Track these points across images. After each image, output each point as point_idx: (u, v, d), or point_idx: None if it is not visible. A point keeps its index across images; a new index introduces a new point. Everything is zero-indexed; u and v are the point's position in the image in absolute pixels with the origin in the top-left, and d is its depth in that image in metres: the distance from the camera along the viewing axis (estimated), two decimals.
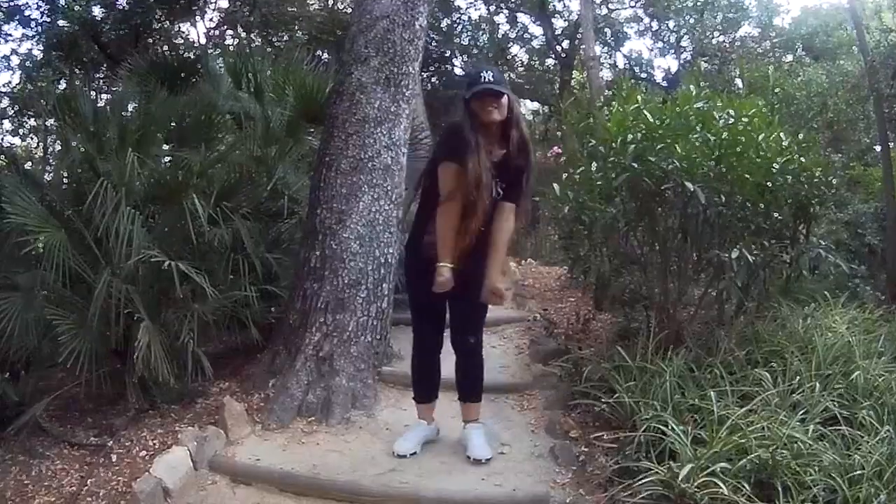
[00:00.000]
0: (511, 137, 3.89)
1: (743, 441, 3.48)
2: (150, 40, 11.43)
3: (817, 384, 4.17)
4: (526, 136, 3.99)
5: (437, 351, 4.29)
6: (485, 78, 3.78)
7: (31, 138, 11.80)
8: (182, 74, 7.39)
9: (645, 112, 4.85)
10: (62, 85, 10.67)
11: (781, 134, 5.13)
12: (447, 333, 4.33)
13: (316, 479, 4.00)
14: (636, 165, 4.57)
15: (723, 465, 3.32)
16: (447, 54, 18.42)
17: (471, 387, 4.36)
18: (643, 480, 3.42)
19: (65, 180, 5.80)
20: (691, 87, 5.26)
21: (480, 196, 3.78)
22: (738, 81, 5.81)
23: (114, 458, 4.30)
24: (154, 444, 4.41)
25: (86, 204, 4.87)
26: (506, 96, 3.83)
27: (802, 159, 5.17)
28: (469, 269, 3.94)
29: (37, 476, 4.24)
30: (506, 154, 3.91)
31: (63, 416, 4.93)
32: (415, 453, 4.25)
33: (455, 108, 4.11)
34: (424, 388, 4.43)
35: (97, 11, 11.39)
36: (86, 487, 4.04)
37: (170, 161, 5.88)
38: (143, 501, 3.67)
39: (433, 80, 17.41)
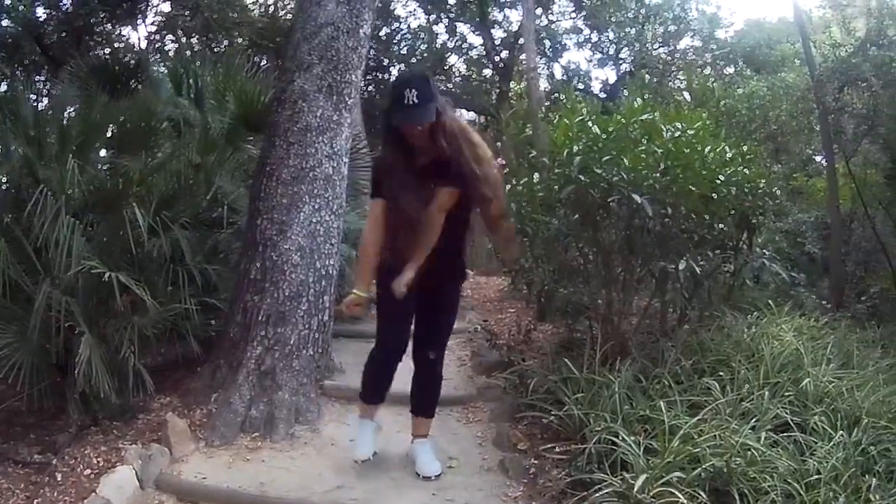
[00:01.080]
0: (439, 142, 3.65)
1: (696, 450, 3.48)
2: (92, 43, 11.16)
3: (766, 392, 4.22)
4: (455, 131, 3.71)
5: (399, 353, 4.06)
6: (408, 100, 3.53)
7: None
8: (123, 79, 7.19)
9: (590, 124, 4.86)
10: (3, 87, 10.39)
11: (726, 146, 5.19)
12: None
13: (264, 498, 3.89)
14: (582, 177, 4.55)
15: (677, 474, 3.31)
16: (385, 62, 18.44)
17: (426, 401, 4.26)
18: (600, 492, 3.39)
19: (4, 186, 5.58)
20: (637, 99, 5.29)
21: (416, 222, 3.71)
22: (686, 94, 5.86)
23: (59, 476, 4.11)
24: (98, 461, 4.24)
25: (26, 211, 4.69)
26: (432, 117, 3.60)
27: (746, 171, 5.25)
28: (437, 280, 3.86)
29: None
30: (438, 155, 3.70)
31: (5, 431, 4.73)
32: (375, 453, 4.20)
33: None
34: (377, 389, 4.24)
35: (40, 12, 11.13)
36: None
37: (109, 168, 5.70)
38: None
39: (370, 88, 17.36)
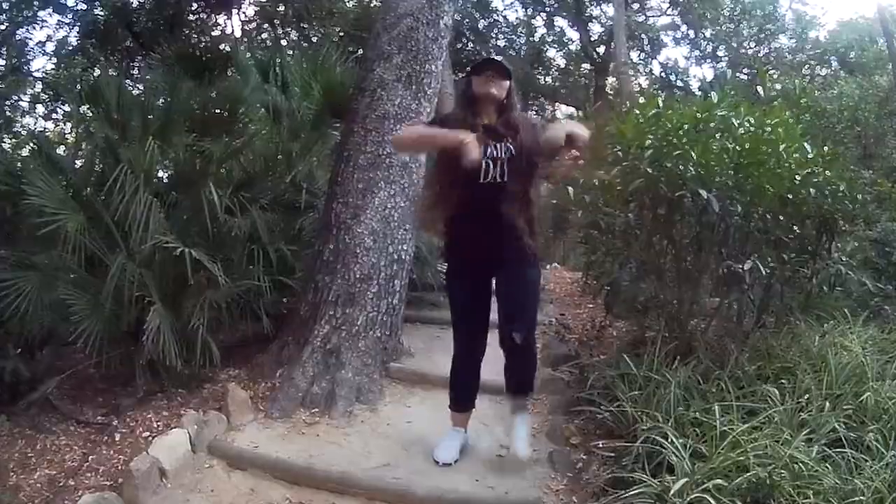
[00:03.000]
0: (504, 115, 3.78)
1: (742, 458, 3.38)
2: (185, 31, 11.51)
3: (827, 403, 4.04)
4: (523, 115, 3.90)
5: (480, 353, 4.04)
6: (493, 58, 3.82)
7: (64, 124, 12.02)
8: (212, 66, 7.44)
9: (665, 118, 4.78)
10: (96, 72, 10.80)
11: (806, 145, 5.02)
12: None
13: (310, 469, 4.00)
14: (651, 171, 4.49)
15: (718, 481, 3.23)
16: (483, 55, 18.38)
17: (521, 379, 4.02)
18: (635, 492, 3.35)
19: (93, 165, 5.88)
20: (713, 93, 5.17)
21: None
22: (759, 89, 5.67)
23: (117, 437, 4.35)
24: (158, 425, 4.47)
25: (105, 187, 4.94)
26: (508, 81, 3.78)
27: (828, 172, 5.06)
28: (504, 259, 3.75)
29: (41, 450, 4.30)
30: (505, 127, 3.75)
31: (75, 394, 5.00)
32: (457, 460, 4.13)
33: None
34: (464, 395, 4.21)
35: (133, 0, 11.54)
36: (86, 463, 4.09)
37: (191, 150, 5.93)
38: (139, 480, 3.69)
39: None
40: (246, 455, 4.18)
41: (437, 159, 3.87)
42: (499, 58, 3.85)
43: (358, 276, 5.37)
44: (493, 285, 3.92)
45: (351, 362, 5.13)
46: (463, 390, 4.20)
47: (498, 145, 3.69)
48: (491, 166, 3.66)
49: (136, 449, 4.12)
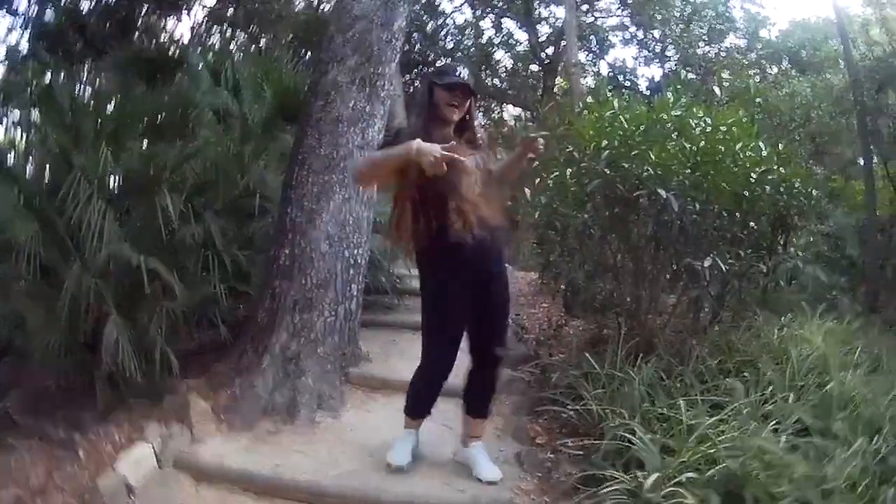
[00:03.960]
0: (465, 131, 3.70)
1: (712, 451, 3.41)
2: (136, 34, 11.37)
3: (791, 395, 4.12)
4: (481, 136, 3.81)
5: (449, 373, 3.86)
6: (457, 71, 3.65)
7: (15, 130, 11.76)
8: (164, 69, 7.32)
9: (621, 118, 4.82)
10: (48, 77, 10.60)
11: (761, 144, 5.09)
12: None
13: (278, 480, 3.93)
14: (608, 171, 4.52)
15: (690, 475, 3.25)
16: (431, 58, 18.46)
17: (484, 402, 4.05)
18: (609, 489, 3.35)
19: (45, 173, 5.74)
20: (669, 94, 5.22)
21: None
22: (716, 90, 5.76)
23: (81, 452, 4.18)
24: (121, 439, 4.31)
25: (58, 195, 4.81)
26: (471, 99, 3.68)
27: (782, 170, 5.16)
28: (489, 263, 3.73)
29: (4, 468, 4.13)
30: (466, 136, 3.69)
31: (34, 409, 4.83)
32: (410, 462, 4.07)
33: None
34: (426, 407, 4.09)
35: (84, 3, 11.38)
36: (51, 481, 3.94)
37: (144, 155, 5.80)
38: (107, 498, 3.60)
39: (416, 83, 17.40)
40: (212, 468, 4.09)
41: (408, 178, 3.58)
42: (464, 73, 3.65)
43: (315, 281, 5.29)
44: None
45: (311, 369, 5.06)
46: (430, 402, 4.07)
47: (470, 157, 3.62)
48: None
49: (101, 465, 3.99)
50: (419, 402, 4.07)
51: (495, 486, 3.87)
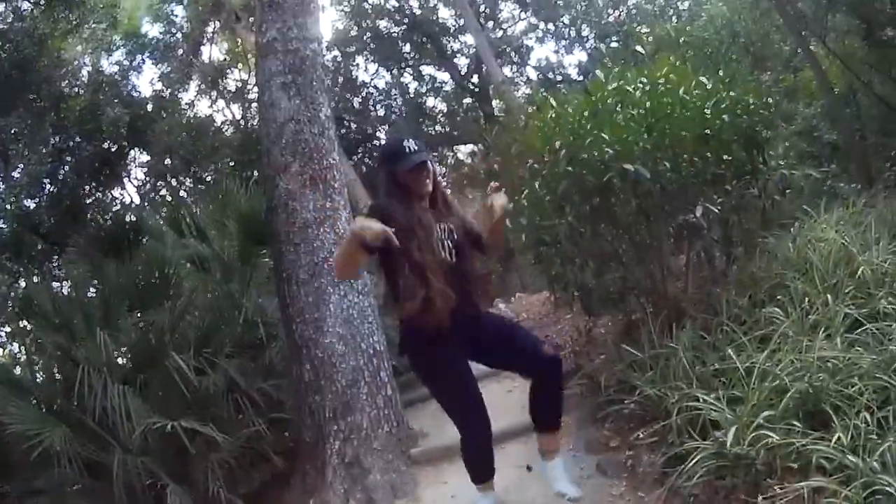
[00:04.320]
0: (437, 201, 3.59)
1: (777, 383, 3.39)
2: (87, 215, 11.49)
3: (828, 297, 4.05)
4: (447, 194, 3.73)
5: (489, 425, 3.64)
6: (409, 148, 3.47)
7: (11, 343, 11.85)
8: (126, 240, 7.36)
9: (565, 114, 4.83)
10: (22, 284, 10.72)
11: (702, 79, 5.10)
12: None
13: None
14: (572, 168, 4.52)
15: (766, 413, 3.22)
16: (369, 131, 18.59)
17: (554, 410, 3.73)
18: (694, 461, 3.29)
19: (54, 376, 5.81)
20: (599, 72, 5.25)
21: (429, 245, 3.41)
22: (638, 48, 5.80)
23: None
24: None
25: (75, 393, 4.85)
26: (432, 167, 3.55)
27: (732, 93, 5.14)
28: (476, 310, 3.58)
29: None
30: (434, 205, 3.59)
31: None
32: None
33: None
34: (488, 468, 3.83)
35: (29, 203, 11.51)
36: None
37: (139, 328, 5.83)
38: None
39: (366, 160, 17.52)
40: None
41: (385, 256, 3.47)
42: (412, 144, 3.49)
43: (344, 384, 5.31)
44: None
45: (374, 465, 5.05)
46: (488, 462, 3.82)
47: (441, 226, 3.50)
48: (444, 245, 3.47)
49: None
50: (479, 468, 3.84)
51: (590, 500, 3.80)
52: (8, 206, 10.92)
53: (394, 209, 3.42)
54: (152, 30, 15.54)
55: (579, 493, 3.72)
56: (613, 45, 14.99)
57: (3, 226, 11.17)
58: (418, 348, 3.55)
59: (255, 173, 10.15)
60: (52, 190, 11.71)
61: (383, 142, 18.16)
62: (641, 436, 3.98)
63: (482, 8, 18.88)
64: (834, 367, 3.37)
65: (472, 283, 3.55)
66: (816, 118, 8.15)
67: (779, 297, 4.37)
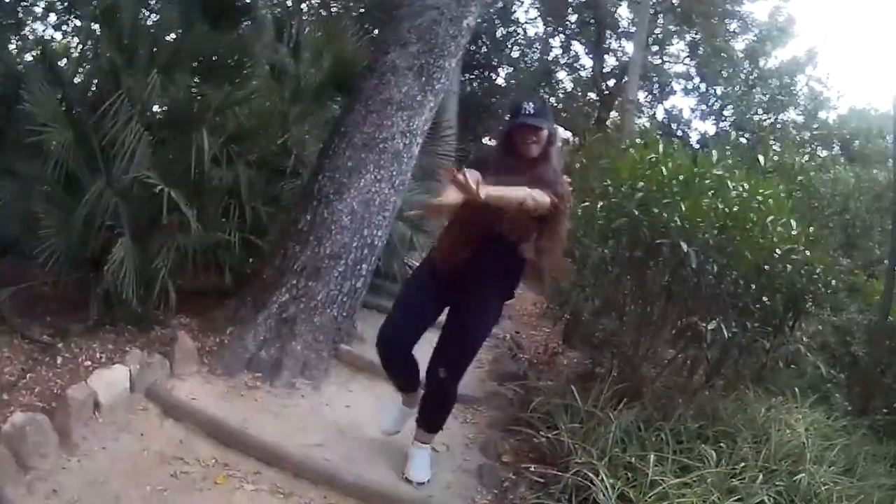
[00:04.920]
0: (539, 168, 3.63)
1: None
2: None
3: (760, 476, 4.07)
4: (558, 170, 3.75)
5: (398, 344, 3.82)
6: (525, 109, 3.61)
7: (73, 38, 11.81)
8: (230, 13, 7.34)
9: (661, 165, 4.82)
10: None
11: (792, 221, 5.06)
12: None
13: (243, 433, 3.97)
14: (637, 213, 4.52)
15: None
16: (494, 62, 18.42)
17: (431, 417, 4.01)
18: None
19: (91, 85, 5.81)
20: (715, 152, 5.21)
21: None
22: (761, 158, 5.74)
23: (59, 360, 4.31)
24: (101, 357, 4.43)
25: (99, 111, 4.87)
26: (545, 130, 3.62)
27: (807, 252, 5.12)
28: (474, 280, 3.69)
29: None
30: (538, 170, 3.64)
31: (25, 309, 4.92)
32: (397, 432, 4.15)
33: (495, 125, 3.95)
34: (390, 374, 4.06)
35: None
36: (24, 381, 4.05)
37: (192, 92, 5.84)
38: (73, 408, 3.64)
39: (474, 84, 17.37)
40: (182, 405, 4.15)
41: None
42: (531, 107, 3.60)
43: (328, 251, 5.32)
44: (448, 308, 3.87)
45: (303, 335, 5.11)
46: (390, 368, 4.01)
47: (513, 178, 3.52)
48: None
49: (76, 376, 4.08)
50: (383, 363, 3.97)
51: (451, 491, 3.91)
52: None
53: (491, 157, 3.75)
54: None
55: (423, 478, 3.93)
56: (743, 140, 14.83)
57: None
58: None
59: (376, 32, 10.05)
60: None
61: (503, 80, 18.12)
62: (532, 469, 4.03)
63: (658, 30, 18.61)
64: None
65: (495, 240, 3.60)
66: (858, 327, 8.06)
67: (721, 445, 4.38)
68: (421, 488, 3.86)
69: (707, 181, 4.85)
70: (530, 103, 3.64)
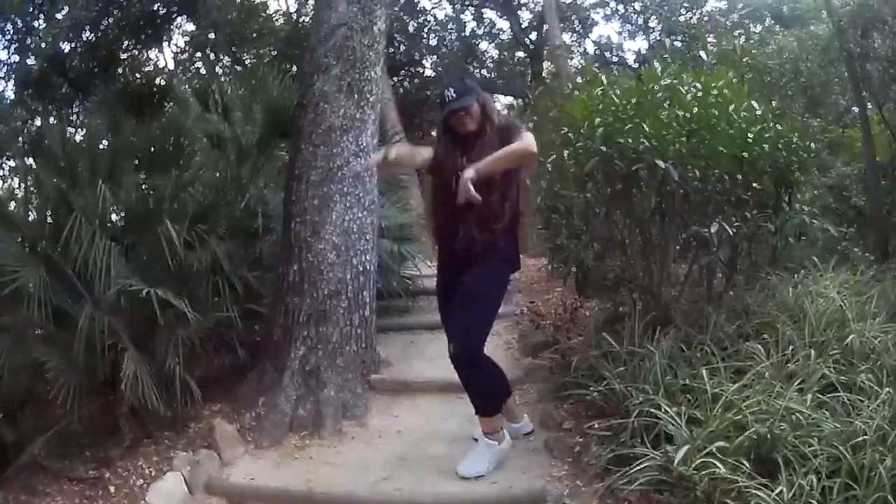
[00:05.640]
0: (483, 138, 3.92)
1: (739, 417, 3.40)
2: (119, 70, 11.42)
3: (812, 352, 4.07)
4: (503, 122, 4.08)
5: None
6: (448, 97, 3.94)
7: (11, 179, 11.82)
8: (151, 101, 7.33)
9: (612, 94, 4.80)
10: (37, 122, 10.64)
11: (754, 103, 5.06)
12: None
13: (311, 494, 3.95)
14: (605, 148, 4.50)
15: (720, 443, 3.23)
16: (416, 57, 18.43)
17: (474, 397, 4.03)
18: (639, 467, 3.34)
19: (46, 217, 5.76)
20: (657, 64, 5.19)
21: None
22: (703, 54, 5.73)
23: (112, 489, 4.25)
24: (150, 471, 4.37)
25: (61, 239, 4.83)
26: (474, 104, 3.93)
27: (778, 126, 5.12)
28: (470, 259, 3.88)
29: None
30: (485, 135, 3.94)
31: (62, 451, 4.84)
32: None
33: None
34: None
35: (65, 46, 11.40)
36: None
37: (142, 189, 5.80)
38: None
39: (405, 83, 17.39)
40: (244, 489, 4.12)
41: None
42: (451, 93, 3.96)
43: (326, 293, 5.30)
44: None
45: (332, 380, 5.08)
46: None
47: (466, 159, 3.84)
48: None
49: (133, 499, 4.05)
50: None
51: (528, 476, 3.88)
52: (43, 45, 10.82)
53: (439, 147, 4.05)
54: None
55: (470, 473, 3.93)
56: (677, 43, 14.84)
57: (33, 63, 11.08)
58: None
59: (295, 69, 10.05)
60: (90, 38, 11.65)
61: (431, 70, 18.24)
62: (596, 426, 4.00)
63: None
64: (797, 422, 3.37)
65: (478, 223, 3.83)
66: (851, 179, 8.09)
67: (765, 336, 4.39)
68: (499, 482, 3.83)
69: (659, 94, 4.84)
70: (451, 89, 3.98)
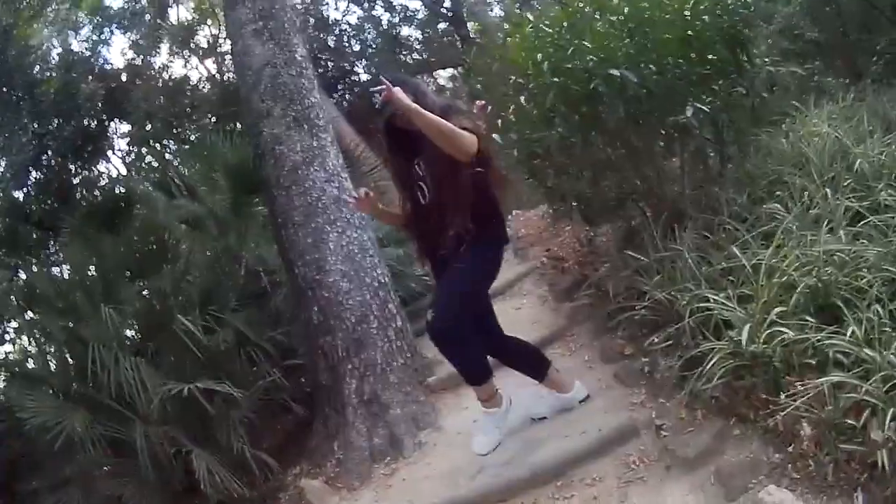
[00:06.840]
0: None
1: (785, 279, 3.39)
2: (77, 195, 11.42)
3: (827, 190, 4.06)
4: (443, 104, 3.82)
5: (442, 329, 3.73)
6: (376, 101, 3.69)
7: (20, 337, 11.84)
8: (117, 210, 7.31)
9: (543, 27, 4.77)
10: (22, 276, 10.67)
11: None
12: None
13: None
14: (557, 79, 4.47)
15: (778, 310, 3.22)
16: (347, 67, 18.33)
17: (458, 371, 4.04)
18: (713, 361, 3.31)
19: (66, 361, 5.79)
20: None
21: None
22: None
23: None
24: None
25: (88, 372, 4.85)
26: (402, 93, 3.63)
27: None
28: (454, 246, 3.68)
29: None
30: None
31: None
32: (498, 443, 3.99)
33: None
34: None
35: (18, 194, 11.45)
36: None
37: (143, 295, 5.82)
38: None
39: (346, 95, 17.31)
40: None
41: None
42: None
43: (353, 320, 5.30)
44: None
45: (393, 399, 5.08)
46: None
47: (419, 162, 3.78)
48: (422, 188, 3.76)
49: None
50: None
51: (609, 414, 3.88)
52: None
53: (387, 146, 4.01)
54: (116, 0, 15.13)
55: (481, 449, 3.93)
56: None
57: None
58: None
59: (238, 125, 10.05)
60: (38, 176, 11.72)
61: (365, 74, 18.12)
62: (656, 341, 3.97)
63: None
64: (840, 261, 3.37)
65: (451, 215, 3.61)
66: (796, 17, 7.99)
67: (778, 193, 4.36)
68: (588, 430, 3.79)
69: (587, 9, 4.80)
70: (375, 92, 3.68)
